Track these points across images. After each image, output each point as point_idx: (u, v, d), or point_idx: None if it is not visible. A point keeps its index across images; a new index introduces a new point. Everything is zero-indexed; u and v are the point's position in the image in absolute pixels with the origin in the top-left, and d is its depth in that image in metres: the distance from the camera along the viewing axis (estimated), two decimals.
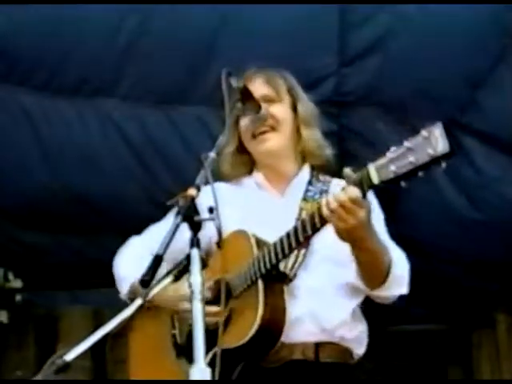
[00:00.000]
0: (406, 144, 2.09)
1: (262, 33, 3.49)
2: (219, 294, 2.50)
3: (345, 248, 2.45)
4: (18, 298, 5.01)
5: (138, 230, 2.96)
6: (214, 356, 2.42)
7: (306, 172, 2.82)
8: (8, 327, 5.12)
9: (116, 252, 3.08)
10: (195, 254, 2.00)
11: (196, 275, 1.98)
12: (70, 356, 1.93)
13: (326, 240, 2.46)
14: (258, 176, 2.84)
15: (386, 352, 5.01)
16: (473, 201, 4.14)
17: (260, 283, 2.49)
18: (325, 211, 2.28)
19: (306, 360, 2.56)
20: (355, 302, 2.67)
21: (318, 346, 2.58)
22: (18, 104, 3.82)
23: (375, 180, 2.16)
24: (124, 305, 2.05)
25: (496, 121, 3.70)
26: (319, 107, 3.01)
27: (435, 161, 2.03)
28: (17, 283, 4.96)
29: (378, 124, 3.80)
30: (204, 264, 2.02)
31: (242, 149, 2.85)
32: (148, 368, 2.82)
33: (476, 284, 4.86)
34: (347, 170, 2.26)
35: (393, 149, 2.13)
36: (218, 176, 2.86)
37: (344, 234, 2.32)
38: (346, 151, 3.93)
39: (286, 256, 2.48)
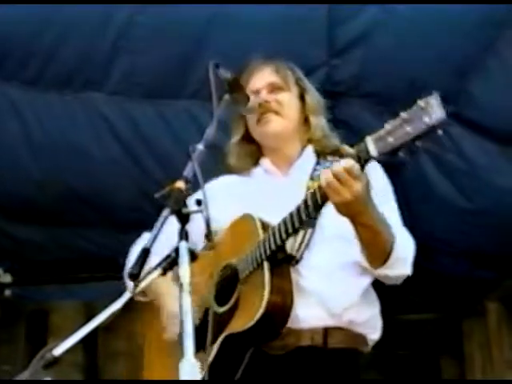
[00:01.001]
0: (403, 115, 2.09)
1: (252, 26, 3.49)
2: (225, 279, 2.58)
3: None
4: (8, 292, 5.00)
5: (129, 224, 2.95)
6: (224, 341, 2.48)
7: (309, 152, 2.83)
8: None
9: (106, 245, 3.07)
10: (183, 246, 1.99)
11: (184, 268, 1.97)
12: (60, 350, 1.91)
13: (332, 218, 2.44)
14: (264, 162, 2.86)
15: (378, 342, 5.03)
16: (462, 190, 4.15)
17: (266, 265, 2.47)
18: (322, 183, 2.26)
19: (314, 346, 2.53)
20: (364, 283, 2.64)
21: (327, 331, 2.55)
22: (6, 99, 3.81)
23: (373, 152, 2.15)
24: (116, 298, 2.04)
25: (485, 109, 3.70)
26: None
27: (432, 129, 2.04)
28: (6, 278, 4.95)
29: (365, 115, 3.80)
30: (194, 257, 2.01)
31: (248, 138, 2.86)
32: (161, 363, 2.81)
33: (466, 273, 4.87)
34: (344, 146, 2.26)
35: (390, 121, 2.13)
36: (227, 169, 2.87)
37: (341, 208, 2.30)
38: None
39: (289, 236, 2.46)
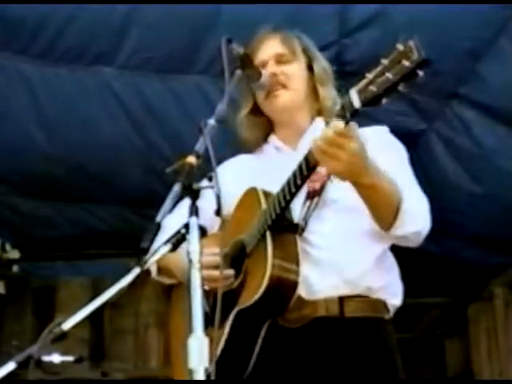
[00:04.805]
0: (383, 61, 2.06)
1: (262, 2, 3.47)
2: (235, 257, 2.55)
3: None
4: (16, 268, 5.03)
5: (137, 200, 2.93)
6: (236, 317, 2.46)
7: (318, 124, 2.74)
8: (6, 298, 5.15)
9: (114, 222, 3.06)
10: (194, 222, 1.98)
11: (194, 244, 1.96)
12: (68, 325, 1.91)
13: (339, 189, 2.42)
14: (273, 139, 2.81)
15: None
16: (471, 173, 4.14)
17: (268, 235, 2.44)
18: (318, 156, 2.19)
19: (330, 317, 2.48)
20: (378, 249, 2.58)
21: (342, 299, 2.49)
22: (17, 72, 3.81)
23: (356, 104, 2.09)
24: (123, 275, 2.03)
25: (496, 92, 3.69)
26: None
27: (412, 71, 1.98)
28: (14, 254, 4.97)
29: None
30: (203, 233, 2.00)
31: (257, 110, 2.81)
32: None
33: (475, 257, 4.87)
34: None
35: (372, 70, 2.08)
36: (240, 145, 2.83)
37: (343, 173, 2.23)
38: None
39: (289, 203, 2.42)
